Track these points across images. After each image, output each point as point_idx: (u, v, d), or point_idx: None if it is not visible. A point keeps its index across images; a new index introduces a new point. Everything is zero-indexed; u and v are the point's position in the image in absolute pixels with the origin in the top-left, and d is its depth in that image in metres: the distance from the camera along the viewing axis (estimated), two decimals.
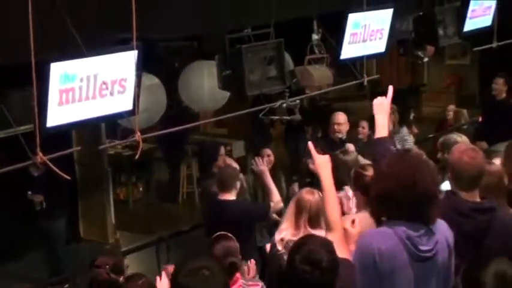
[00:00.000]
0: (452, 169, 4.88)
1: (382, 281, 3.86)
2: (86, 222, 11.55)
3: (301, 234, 5.93)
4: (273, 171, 8.54)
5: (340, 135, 9.18)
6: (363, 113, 9.20)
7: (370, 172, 5.46)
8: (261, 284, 5.63)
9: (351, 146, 8.61)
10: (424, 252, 3.91)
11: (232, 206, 7.44)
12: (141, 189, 13.54)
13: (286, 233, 6.07)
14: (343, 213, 5.79)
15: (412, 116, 12.82)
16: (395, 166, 3.97)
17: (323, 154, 4.40)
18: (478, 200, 4.84)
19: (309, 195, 6.12)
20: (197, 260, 3.70)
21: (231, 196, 7.48)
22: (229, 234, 5.94)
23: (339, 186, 6.67)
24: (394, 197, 3.86)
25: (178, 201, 13.24)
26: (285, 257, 5.92)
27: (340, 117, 9.41)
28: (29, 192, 9.23)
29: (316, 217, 6.01)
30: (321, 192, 4.61)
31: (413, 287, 3.92)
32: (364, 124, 9.76)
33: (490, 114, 12.03)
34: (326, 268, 3.70)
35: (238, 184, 7.58)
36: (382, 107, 4.71)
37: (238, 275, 5.50)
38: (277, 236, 6.12)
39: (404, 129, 10.12)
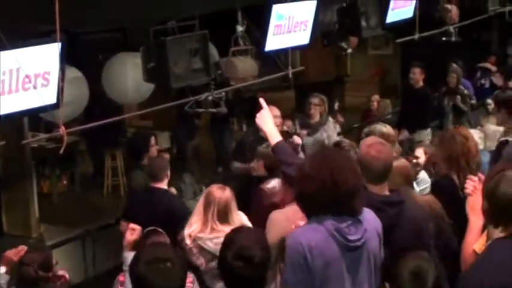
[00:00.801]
0: (360, 163, 4.90)
1: (314, 278, 3.90)
2: (9, 216, 11.31)
3: (208, 229, 5.95)
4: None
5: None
6: (287, 104, 9.19)
7: None
8: (192, 276, 5.61)
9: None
10: (353, 242, 3.97)
11: (165, 194, 7.47)
12: (65, 182, 13.34)
13: (195, 226, 6.04)
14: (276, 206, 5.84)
15: (337, 105, 12.93)
16: (315, 167, 4.01)
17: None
18: (387, 193, 4.86)
19: (218, 191, 6.07)
20: (163, 250, 3.70)
21: (163, 185, 7.48)
22: (159, 230, 5.90)
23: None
24: (316, 197, 3.92)
25: (103, 194, 13.12)
26: (194, 251, 5.96)
27: (275, 111, 9.30)
28: None
29: (224, 213, 6.00)
30: None
31: (345, 278, 3.99)
32: None
33: (409, 103, 12.25)
34: (259, 263, 3.73)
35: (168, 173, 7.57)
36: (263, 118, 4.85)
37: None
38: (186, 231, 6.08)
39: (330, 122, 10.20)
